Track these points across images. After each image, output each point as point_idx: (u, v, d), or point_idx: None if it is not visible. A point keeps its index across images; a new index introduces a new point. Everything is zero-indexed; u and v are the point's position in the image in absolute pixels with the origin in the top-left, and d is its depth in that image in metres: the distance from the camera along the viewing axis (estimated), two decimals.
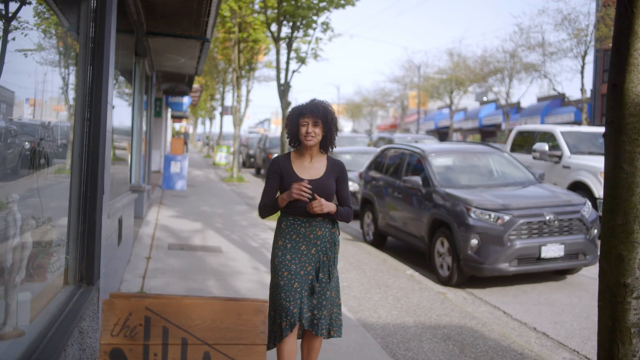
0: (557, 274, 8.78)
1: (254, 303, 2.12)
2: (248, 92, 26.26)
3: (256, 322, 2.15)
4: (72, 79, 4.66)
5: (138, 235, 9.93)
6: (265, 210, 4.11)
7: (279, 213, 4.16)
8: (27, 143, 3.78)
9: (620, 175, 3.12)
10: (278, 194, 4.13)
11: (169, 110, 30.20)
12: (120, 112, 7.86)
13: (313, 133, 3.97)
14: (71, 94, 4.65)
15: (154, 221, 11.70)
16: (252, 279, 7.62)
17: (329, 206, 3.93)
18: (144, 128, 12.61)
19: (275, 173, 4.08)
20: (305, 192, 3.86)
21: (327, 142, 4.09)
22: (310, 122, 3.98)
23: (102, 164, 4.67)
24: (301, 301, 3.88)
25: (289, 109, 4.15)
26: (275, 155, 4.31)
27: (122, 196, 7.25)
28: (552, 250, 7.89)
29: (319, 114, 3.98)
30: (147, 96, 13.31)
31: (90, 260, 4.52)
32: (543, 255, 7.85)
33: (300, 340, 4.13)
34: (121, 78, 8.00)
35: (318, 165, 4.10)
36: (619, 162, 3.13)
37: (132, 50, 9.23)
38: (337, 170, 4.13)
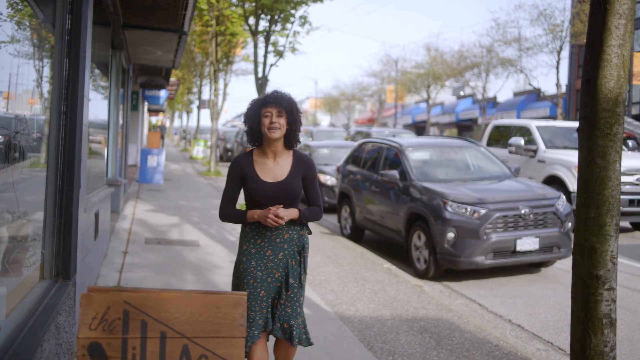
0: (532, 267, 8.89)
1: (233, 296, 2.13)
2: (225, 85, 26.15)
3: (235, 315, 2.16)
4: (47, 71, 4.62)
5: (115, 230, 9.86)
6: (227, 218, 3.82)
7: None
8: (1, 137, 3.75)
9: (594, 169, 3.17)
10: (245, 197, 3.82)
11: (146, 103, 29.97)
12: (97, 106, 7.80)
13: (277, 124, 3.65)
14: (46, 87, 4.61)
15: (131, 215, 11.62)
16: (229, 273, 7.62)
17: (289, 214, 3.63)
18: (121, 121, 12.51)
19: (236, 175, 3.77)
20: (279, 221, 3.56)
21: (291, 137, 3.78)
22: (274, 112, 3.66)
23: (79, 157, 4.63)
24: (267, 311, 3.63)
25: (249, 104, 3.82)
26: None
27: (99, 190, 7.20)
28: (527, 243, 7.99)
29: (283, 104, 3.68)
30: (124, 89, 13.18)
31: (66, 255, 4.49)
32: (518, 248, 7.95)
33: (273, 346, 3.89)
34: (97, 71, 7.93)
35: (283, 164, 3.77)
36: (593, 156, 3.18)
37: (108, 43, 9.15)
38: (303, 168, 3.80)
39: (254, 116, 3.75)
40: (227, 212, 3.80)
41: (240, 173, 3.75)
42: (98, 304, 2.13)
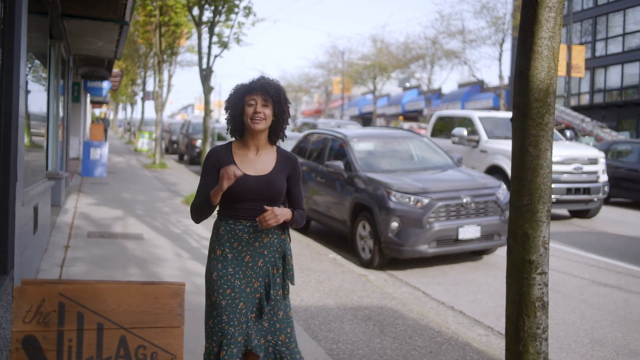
0: (474, 255, 9.10)
1: (171, 286, 2.13)
2: (170, 77, 25.83)
3: (173, 305, 2.16)
4: None
5: (56, 224, 9.66)
6: (198, 210, 3.31)
7: (215, 215, 3.46)
8: None
9: (526, 158, 3.27)
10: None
11: (88, 95, 29.33)
12: (35, 97, 7.60)
13: (262, 114, 3.25)
14: None
15: (73, 209, 11.40)
16: (175, 265, 7.56)
17: (284, 214, 3.25)
18: (61, 114, 12.23)
19: (212, 167, 3.33)
20: (235, 174, 3.13)
21: (277, 130, 3.39)
22: (260, 101, 3.26)
23: (15, 150, 4.53)
24: (247, 326, 3.19)
25: (232, 89, 3.40)
26: (215, 145, 3.43)
27: (38, 183, 7.03)
28: (469, 231, 8.17)
29: (271, 93, 3.28)
30: (64, 81, 12.89)
31: (2, 250, 4.39)
32: (460, 236, 8.12)
33: None
34: (36, 62, 7.73)
35: (266, 158, 3.38)
36: (525, 145, 3.28)
37: (46, 32, 8.91)
38: (289, 166, 3.43)
39: (236, 104, 3.35)
40: (197, 203, 3.32)
41: (217, 164, 3.31)
42: (32, 297, 2.10)
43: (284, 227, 3.40)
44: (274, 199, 3.33)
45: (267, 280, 3.28)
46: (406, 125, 38.25)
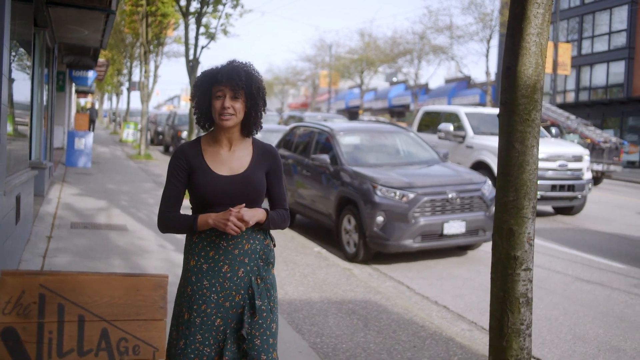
0: (459, 250, 9.13)
1: (153, 278, 2.11)
2: (156, 67, 25.69)
3: (155, 298, 2.14)
4: None
5: (39, 214, 9.57)
6: (168, 227, 2.90)
7: None
8: None
9: (512, 154, 3.27)
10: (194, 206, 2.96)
11: (73, 84, 29.09)
12: (19, 86, 7.52)
13: (231, 109, 2.81)
14: None
15: (56, 199, 11.30)
16: (159, 257, 7.52)
17: (255, 216, 2.82)
18: (45, 103, 12.11)
19: (180, 169, 2.89)
20: (242, 226, 2.74)
21: (250, 123, 2.94)
22: (228, 94, 2.81)
23: None
24: (224, 344, 2.81)
25: (198, 76, 2.98)
26: (183, 140, 2.81)
27: (21, 173, 6.96)
28: (454, 226, 8.19)
29: (240, 83, 2.81)
30: (49, 69, 12.76)
31: None
32: (445, 231, 8.14)
33: None
34: (20, 50, 7.64)
35: (240, 154, 2.95)
36: (512, 141, 3.28)
37: (31, 20, 8.81)
38: (267, 161, 3.00)
39: (203, 94, 2.90)
40: (169, 219, 2.89)
41: (186, 165, 2.89)
42: (12, 288, 2.07)
43: (266, 231, 2.98)
44: (253, 200, 2.91)
45: (250, 291, 2.86)
46: (366, 117, 38.28)
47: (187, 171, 2.86)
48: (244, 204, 2.77)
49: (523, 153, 3.26)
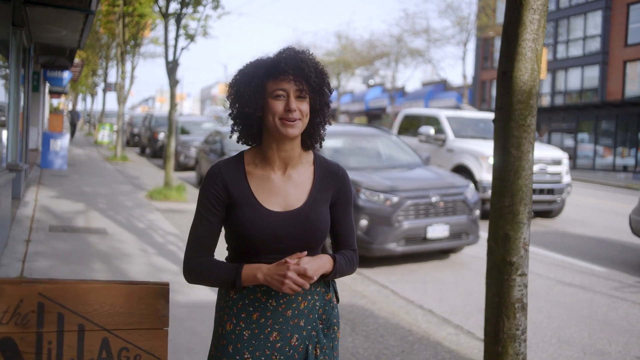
0: (442, 253, 9.15)
1: (155, 287, 2.06)
2: (133, 68, 25.43)
3: (157, 306, 2.09)
4: None
5: (16, 217, 9.41)
6: (200, 276, 2.17)
7: None
8: None
9: (509, 159, 3.27)
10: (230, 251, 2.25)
11: (47, 85, 28.70)
12: None
13: (298, 112, 2.08)
14: None
15: (33, 202, 11.12)
16: (141, 261, 7.43)
17: (320, 268, 2.09)
18: (22, 103, 11.91)
19: (217, 198, 2.14)
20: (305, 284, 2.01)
21: (314, 132, 2.21)
22: (293, 91, 2.07)
23: None
24: None
25: (240, 69, 2.21)
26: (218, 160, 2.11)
27: None
28: (438, 230, 8.20)
29: (310, 76, 2.09)
30: (25, 70, 12.55)
31: None
32: (429, 235, 8.15)
33: None
34: None
35: (300, 179, 2.19)
36: (507, 147, 3.28)
37: (9, 20, 8.67)
38: (334, 186, 2.24)
39: (253, 94, 2.11)
40: (201, 267, 2.16)
41: (224, 194, 2.14)
42: (10, 297, 2.00)
43: (327, 282, 2.25)
44: (314, 244, 2.17)
45: None
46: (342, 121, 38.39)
47: (224, 203, 2.14)
48: (305, 252, 2.08)
49: (519, 159, 3.27)
